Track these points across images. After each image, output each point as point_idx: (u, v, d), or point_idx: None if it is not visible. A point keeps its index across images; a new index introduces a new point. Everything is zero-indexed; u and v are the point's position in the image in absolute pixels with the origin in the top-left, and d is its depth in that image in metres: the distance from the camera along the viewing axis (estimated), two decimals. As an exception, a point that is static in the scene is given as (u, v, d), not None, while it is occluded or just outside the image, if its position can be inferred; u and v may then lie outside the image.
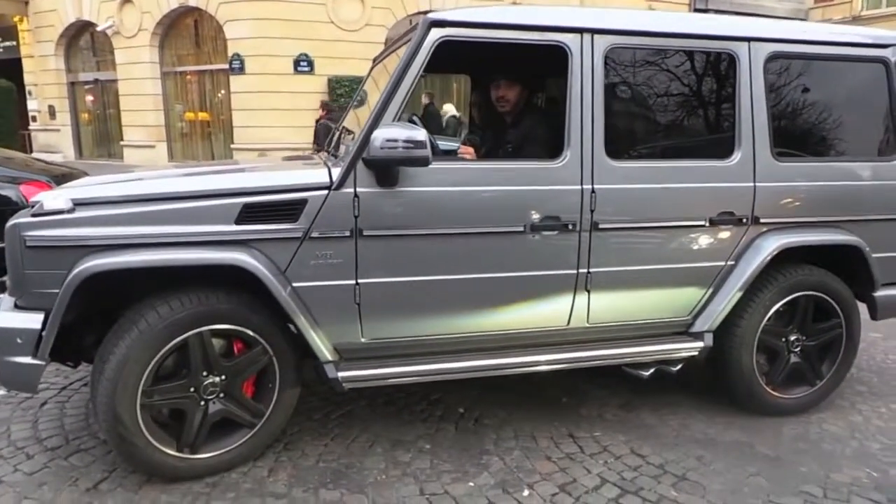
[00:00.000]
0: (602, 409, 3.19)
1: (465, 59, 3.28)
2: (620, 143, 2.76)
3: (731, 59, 2.84)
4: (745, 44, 2.84)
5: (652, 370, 2.95)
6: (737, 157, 2.85)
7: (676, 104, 2.94)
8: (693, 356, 2.96)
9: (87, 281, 2.23)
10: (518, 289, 2.68)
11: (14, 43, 18.22)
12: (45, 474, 2.53)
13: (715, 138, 2.97)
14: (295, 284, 2.44)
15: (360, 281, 2.50)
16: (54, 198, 2.37)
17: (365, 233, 2.46)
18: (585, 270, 2.72)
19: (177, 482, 2.47)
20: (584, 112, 2.64)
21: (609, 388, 3.39)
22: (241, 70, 13.96)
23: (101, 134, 17.61)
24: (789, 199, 2.95)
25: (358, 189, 2.45)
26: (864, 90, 3.12)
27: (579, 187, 2.65)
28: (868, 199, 3.10)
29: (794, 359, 3.13)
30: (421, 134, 2.35)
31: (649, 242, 2.81)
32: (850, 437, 2.98)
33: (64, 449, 2.72)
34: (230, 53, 14.00)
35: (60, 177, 5.16)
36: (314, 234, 2.43)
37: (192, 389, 2.44)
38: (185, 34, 15.44)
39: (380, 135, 2.33)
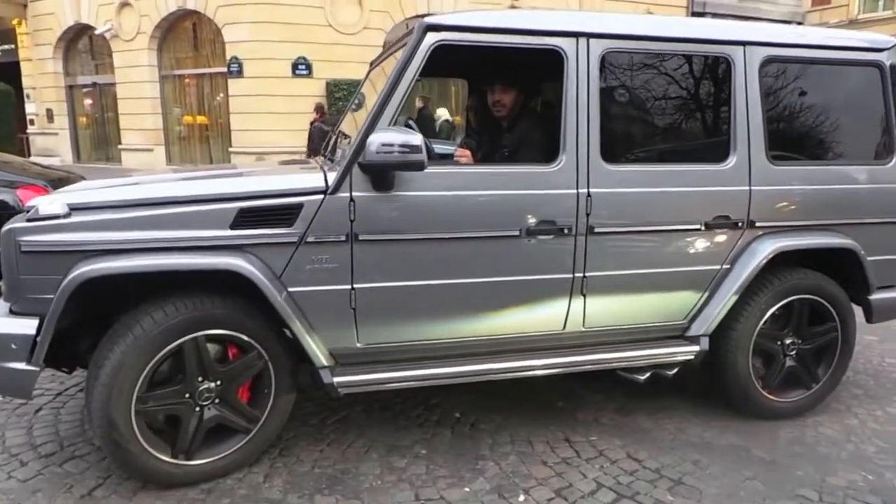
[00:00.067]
0: (598, 414, 3.19)
1: (462, 63, 3.28)
2: (616, 147, 2.77)
3: (727, 63, 2.84)
4: (741, 48, 2.84)
5: (648, 374, 2.95)
6: (732, 160, 2.85)
7: (672, 108, 2.94)
8: (689, 360, 2.96)
9: (82, 286, 2.22)
10: (514, 293, 2.68)
11: (12, 46, 18.24)
12: (40, 481, 2.52)
13: (710, 142, 2.97)
14: (290, 289, 2.44)
15: (355, 285, 2.50)
16: (50, 202, 2.37)
17: (361, 237, 2.46)
18: (581, 274, 2.72)
19: (172, 489, 2.46)
20: (580, 116, 2.64)
21: (605, 393, 3.39)
22: (240, 73, 13.98)
23: (100, 137, 17.61)
24: (785, 203, 2.96)
25: (354, 193, 2.45)
26: (860, 94, 3.13)
27: (575, 191, 2.65)
28: (863, 203, 3.10)
29: (789, 362, 3.13)
30: (417, 138, 2.35)
31: (645, 246, 2.81)
32: (846, 440, 2.98)
33: (58, 455, 2.71)
34: (228, 57, 14.02)
35: (57, 181, 5.16)
36: (310, 239, 2.43)
37: (187, 395, 2.43)
38: (184, 37, 15.46)
39: (375, 139, 2.33)
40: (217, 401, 2.48)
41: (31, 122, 18.04)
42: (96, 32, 15.70)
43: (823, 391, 3.23)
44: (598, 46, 2.65)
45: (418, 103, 11.00)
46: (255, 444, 2.59)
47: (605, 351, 2.88)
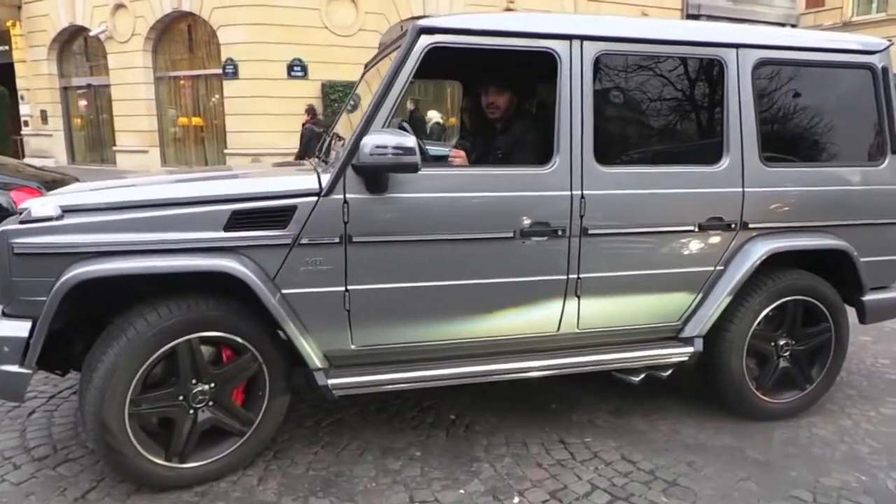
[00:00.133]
0: (593, 415, 3.19)
1: (456, 65, 3.28)
2: (609, 149, 2.77)
3: (720, 66, 2.86)
4: (733, 50, 2.86)
5: (642, 375, 2.95)
6: (725, 162, 2.86)
7: (665, 110, 2.95)
8: (683, 361, 2.97)
9: (75, 288, 2.22)
10: (508, 295, 2.68)
11: (6, 47, 18.16)
12: (33, 484, 2.51)
13: (703, 144, 2.98)
14: (284, 291, 2.44)
15: (349, 287, 2.50)
16: (42, 205, 2.36)
17: (354, 239, 2.46)
18: (575, 276, 2.72)
19: (165, 491, 2.46)
20: (574, 118, 2.64)
21: (599, 394, 3.40)
22: (235, 75, 13.96)
23: (94, 139, 17.55)
24: (778, 204, 2.97)
25: (347, 195, 2.45)
26: (852, 96, 3.14)
27: (569, 193, 2.65)
28: (856, 204, 3.11)
29: (783, 363, 3.14)
30: (410, 140, 2.35)
31: (639, 248, 2.82)
32: (840, 441, 2.99)
33: (52, 459, 2.70)
34: (224, 58, 14.00)
35: (51, 182, 5.15)
36: (303, 241, 2.42)
37: (180, 398, 2.42)
38: (179, 39, 15.43)
39: (369, 141, 2.34)
40: (211, 403, 2.47)
41: (26, 123, 17.97)
42: (91, 34, 15.65)
43: (817, 392, 3.24)
44: (592, 49, 2.66)
45: (409, 106, 11.04)
46: (250, 446, 2.58)
47: (600, 352, 2.88)
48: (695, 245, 2.87)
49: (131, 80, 15.30)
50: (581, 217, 2.67)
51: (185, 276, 2.35)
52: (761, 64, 2.91)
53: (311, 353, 2.51)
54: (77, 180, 4.73)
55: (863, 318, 3.31)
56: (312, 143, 10.50)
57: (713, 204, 2.85)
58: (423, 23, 2.52)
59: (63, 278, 2.22)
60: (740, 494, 2.53)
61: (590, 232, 2.69)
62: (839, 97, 3.14)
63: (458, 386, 2.86)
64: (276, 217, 2.41)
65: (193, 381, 2.43)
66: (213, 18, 13.95)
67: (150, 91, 15.42)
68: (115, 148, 16.23)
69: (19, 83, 17.83)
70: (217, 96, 14.86)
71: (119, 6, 15.03)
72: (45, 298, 2.24)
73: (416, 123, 10.71)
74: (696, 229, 2.84)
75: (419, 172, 2.41)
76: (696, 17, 17.77)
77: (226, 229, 2.37)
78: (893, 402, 3.42)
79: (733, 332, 2.99)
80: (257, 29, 13.63)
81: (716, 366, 3.04)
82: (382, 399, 3.28)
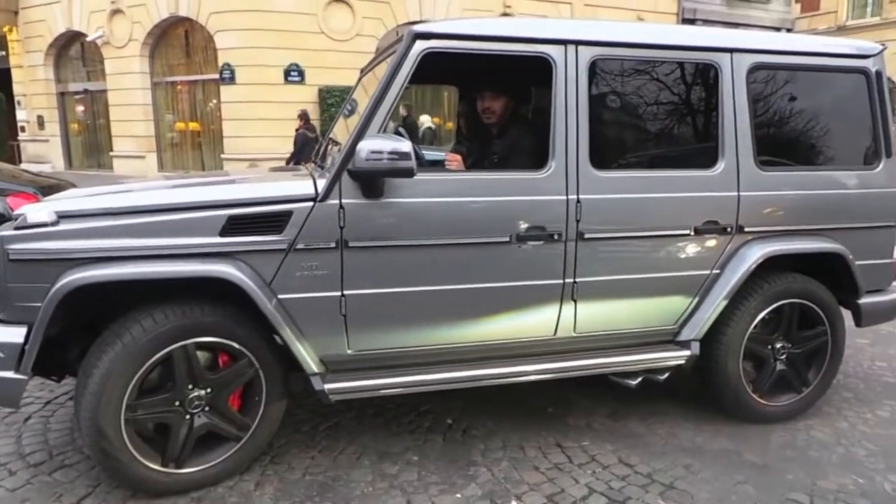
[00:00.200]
0: (590, 419, 3.19)
1: (451, 70, 3.30)
2: (605, 154, 2.78)
3: (714, 70, 2.87)
4: (728, 55, 2.87)
5: (639, 379, 2.96)
6: (720, 166, 2.87)
7: (660, 115, 2.96)
8: (680, 365, 2.97)
9: (70, 294, 2.21)
10: (504, 299, 2.68)
11: (3, 53, 18.16)
12: (28, 490, 2.50)
13: (699, 148, 2.99)
14: (280, 296, 2.44)
15: (345, 292, 2.50)
16: (38, 210, 2.36)
17: (350, 244, 2.46)
18: (571, 280, 2.73)
19: (162, 497, 2.45)
20: (569, 123, 2.65)
21: (596, 398, 3.40)
22: (232, 80, 13.97)
23: (91, 144, 17.54)
24: (773, 208, 2.98)
25: (343, 200, 2.45)
26: (847, 100, 3.16)
27: (564, 197, 2.66)
28: (851, 208, 3.13)
29: (780, 366, 3.15)
30: (406, 145, 2.36)
31: (635, 252, 2.82)
32: (837, 443, 2.99)
33: (48, 465, 2.69)
34: (220, 63, 14.02)
35: (48, 188, 5.14)
36: (299, 246, 2.43)
37: (177, 403, 2.42)
38: (176, 44, 15.45)
39: (365, 146, 2.34)
40: (207, 408, 2.47)
41: (22, 129, 17.95)
42: (88, 39, 15.66)
43: (814, 395, 3.24)
44: (587, 53, 2.67)
45: (402, 112, 11.08)
46: (246, 451, 2.57)
47: (597, 356, 2.88)
48: (691, 249, 2.88)
49: (128, 85, 15.30)
50: (577, 221, 2.67)
51: (181, 281, 2.35)
52: (756, 68, 2.93)
53: (308, 357, 2.51)
54: (73, 186, 4.73)
55: (858, 322, 3.31)
56: (305, 149, 10.53)
57: (709, 208, 2.86)
58: (418, 28, 2.53)
59: (58, 284, 2.22)
60: (737, 498, 2.53)
61: (586, 236, 2.70)
62: (834, 101, 3.16)
63: (455, 390, 2.85)
64: (272, 222, 2.41)
65: (190, 387, 2.42)
66: (210, 23, 13.97)
67: (147, 96, 15.43)
68: (111, 153, 16.23)
69: (16, 88, 17.84)
70: (214, 101, 14.87)
71: (116, 11, 15.05)
72: (40, 304, 2.23)
73: (408, 129, 10.74)
74: (692, 233, 2.85)
75: (415, 177, 2.42)
76: (691, 21, 17.84)
77: (222, 234, 2.37)
78: (890, 404, 3.42)
79: (730, 335, 2.99)
80: (254, 34, 13.65)
81: (713, 369, 3.04)
82: (379, 403, 3.27)
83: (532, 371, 2.78)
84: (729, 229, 2.89)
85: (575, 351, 2.88)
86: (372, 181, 2.44)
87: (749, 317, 3.00)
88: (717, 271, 2.93)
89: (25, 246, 2.28)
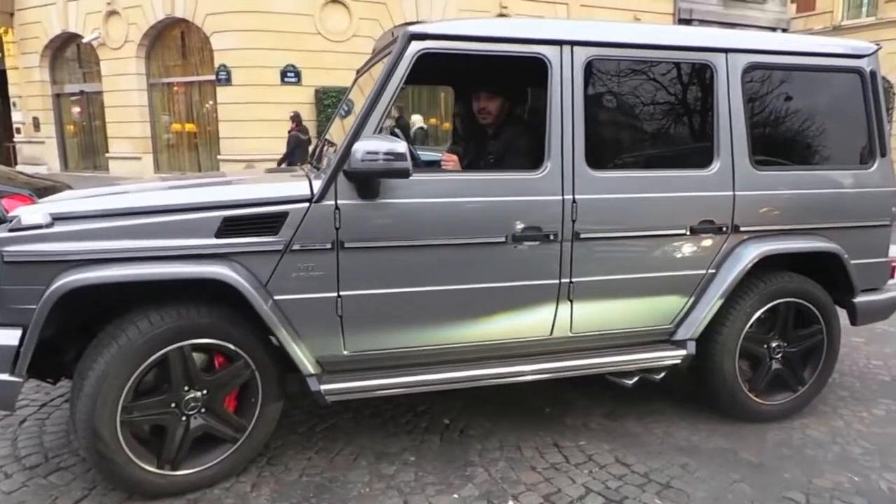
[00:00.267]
0: (586, 419, 3.19)
1: (447, 70, 3.30)
2: (601, 154, 2.78)
3: (709, 70, 2.87)
4: (723, 55, 2.88)
5: (636, 379, 2.96)
6: (716, 166, 2.88)
7: (656, 115, 2.96)
8: (676, 364, 2.98)
9: (65, 296, 2.21)
10: (500, 299, 2.69)
11: (-2, 55, 18.12)
12: (24, 493, 2.49)
13: (694, 148, 3.00)
14: (276, 297, 2.44)
15: (341, 293, 2.49)
16: (32, 212, 2.36)
17: (346, 245, 2.46)
18: (567, 280, 2.73)
19: (158, 499, 2.44)
20: (565, 123, 2.66)
21: (593, 398, 3.40)
22: (228, 81, 13.94)
23: (87, 146, 17.48)
24: (768, 208, 2.99)
25: (339, 201, 2.45)
26: (842, 99, 3.17)
27: (560, 198, 2.66)
28: (847, 207, 3.14)
29: (776, 365, 3.16)
30: (401, 146, 2.36)
31: (630, 252, 2.83)
32: (833, 442, 3.00)
33: (43, 467, 2.68)
34: (217, 64, 13.98)
35: (43, 190, 5.13)
36: (295, 247, 2.42)
37: (172, 405, 2.42)
38: (172, 45, 15.40)
39: (360, 147, 2.34)
40: (203, 410, 2.46)
41: (18, 130, 17.89)
42: (83, 41, 15.61)
43: (809, 393, 3.25)
44: (582, 54, 2.67)
45: (394, 113, 11.08)
46: (243, 453, 2.57)
47: (593, 356, 2.89)
48: (686, 248, 2.89)
49: (124, 86, 15.26)
50: (573, 221, 2.68)
51: (177, 283, 2.34)
52: (751, 68, 2.93)
53: (304, 358, 2.51)
54: (69, 187, 4.72)
55: (854, 320, 3.33)
56: (297, 151, 10.52)
57: (704, 207, 2.87)
58: (413, 29, 2.53)
59: (53, 286, 2.21)
60: (734, 496, 2.54)
61: (582, 236, 2.70)
62: (829, 101, 3.17)
63: (452, 390, 2.85)
64: (268, 223, 2.41)
65: (185, 388, 2.42)
66: (207, 25, 13.94)
67: (143, 97, 15.39)
68: (108, 155, 16.18)
69: (11, 90, 17.78)
70: (210, 102, 14.84)
71: (112, 13, 15.01)
72: (35, 306, 2.23)
73: (401, 130, 10.74)
74: (688, 233, 2.85)
75: (411, 178, 2.42)
76: (688, 21, 17.86)
77: (217, 236, 2.37)
78: (885, 403, 3.43)
79: (725, 334, 3.00)
80: (250, 35, 13.63)
81: (708, 368, 3.05)
82: (376, 404, 3.27)
83: (529, 371, 2.78)
84: (724, 229, 2.90)
85: (571, 351, 2.89)
86: (368, 182, 2.44)
87: (745, 316, 3.01)
88: (713, 271, 2.94)
89: (20, 248, 2.27)
